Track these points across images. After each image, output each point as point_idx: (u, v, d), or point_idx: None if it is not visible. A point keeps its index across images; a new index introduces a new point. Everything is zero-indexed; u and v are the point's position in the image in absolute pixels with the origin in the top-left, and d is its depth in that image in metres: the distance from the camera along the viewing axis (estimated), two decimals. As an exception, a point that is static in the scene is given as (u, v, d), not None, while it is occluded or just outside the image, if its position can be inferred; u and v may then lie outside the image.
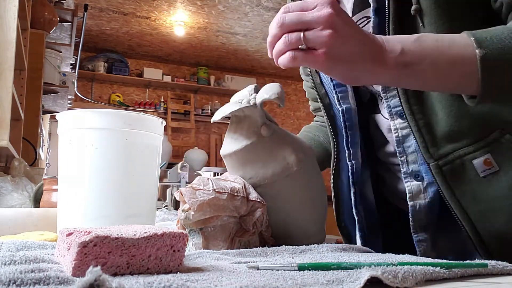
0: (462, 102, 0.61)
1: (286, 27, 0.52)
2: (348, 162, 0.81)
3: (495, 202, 0.61)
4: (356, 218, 0.82)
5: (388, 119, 0.72)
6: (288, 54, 0.52)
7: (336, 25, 0.51)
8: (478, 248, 0.63)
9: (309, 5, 0.52)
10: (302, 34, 0.51)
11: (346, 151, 0.80)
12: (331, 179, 0.85)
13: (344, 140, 0.79)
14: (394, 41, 0.55)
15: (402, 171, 0.71)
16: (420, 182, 0.69)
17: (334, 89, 0.78)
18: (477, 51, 0.53)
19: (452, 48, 0.54)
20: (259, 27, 5.07)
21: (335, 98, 0.78)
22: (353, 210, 0.82)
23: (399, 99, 0.66)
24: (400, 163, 0.71)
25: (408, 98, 0.64)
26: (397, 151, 0.71)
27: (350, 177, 0.81)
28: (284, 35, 0.52)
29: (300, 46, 0.52)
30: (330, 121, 0.82)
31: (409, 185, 0.70)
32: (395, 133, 0.70)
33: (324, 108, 0.82)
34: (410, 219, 0.71)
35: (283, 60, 0.53)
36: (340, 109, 0.78)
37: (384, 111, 0.74)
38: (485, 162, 0.61)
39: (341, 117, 0.78)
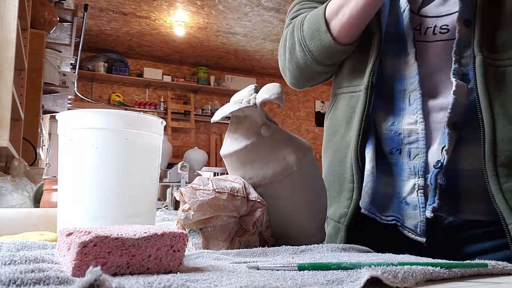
0: None
1: None
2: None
3: None
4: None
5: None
6: None
7: None
8: (487, 149, 0.64)
9: None
10: None
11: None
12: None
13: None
14: None
15: (452, 68, 0.72)
16: (466, 84, 0.70)
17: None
18: None
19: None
20: (259, 27, 5.08)
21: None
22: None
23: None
24: (454, 60, 0.72)
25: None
26: (453, 51, 0.72)
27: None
28: None
29: None
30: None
31: (456, 81, 0.71)
32: (458, 34, 0.71)
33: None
34: (449, 111, 0.71)
35: None
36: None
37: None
38: None
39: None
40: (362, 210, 0.76)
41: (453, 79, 0.71)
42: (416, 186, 0.73)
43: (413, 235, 0.73)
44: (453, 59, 0.72)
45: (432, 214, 0.71)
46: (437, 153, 0.72)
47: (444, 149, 0.70)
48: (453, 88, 0.71)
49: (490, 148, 0.64)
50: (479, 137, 0.67)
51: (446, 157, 0.70)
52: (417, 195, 0.73)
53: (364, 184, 0.76)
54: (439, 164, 0.71)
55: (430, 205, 0.71)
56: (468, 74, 0.72)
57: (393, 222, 0.75)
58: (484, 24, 0.68)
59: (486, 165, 0.65)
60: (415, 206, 0.73)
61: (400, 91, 0.76)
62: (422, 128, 0.73)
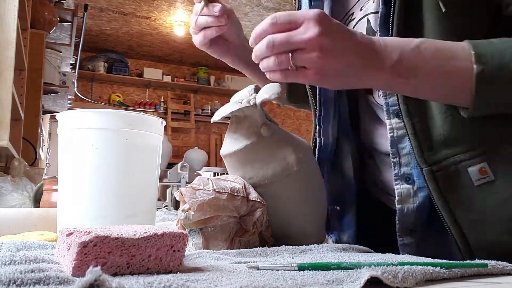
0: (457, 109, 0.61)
1: (276, 48, 0.53)
2: (317, 138, 0.80)
3: (488, 212, 0.59)
4: None
5: (378, 103, 0.72)
6: (279, 73, 0.55)
7: (324, 45, 0.52)
8: (465, 255, 0.62)
9: (298, 19, 0.53)
10: (290, 55, 0.53)
11: (317, 127, 0.79)
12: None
13: (317, 114, 0.79)
14: (393, 47, 0.55)
15: (393, 173, 0.70)
16: (411, 186, 0.67)
17: None
18: (474, 66, 0.53)
19: (451, 61, 0.54)
20: (259, 27, 5.07)
21: None
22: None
23: (397, 98, 0.65)
24: (392, 164, 0.69)
25: (406, 99, 0.63)
26: (391, 152, 0.69)
27: (317, 153, 0.80)
28: (274, 56, 0.54)
29: (289, 68, 0.54)
30: (312, 90, 0.80)
31: (399, 187, 0.69)
32: (390, 133, 0.68)
33: None
34: (397, 222, 0.69)
35: (274, 77, 0.55)
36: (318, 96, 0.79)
37: (376, 94, 0.73)
38: (481, 171, 0.59)
39: (317, 91, 0.78)
40: None
41: (395, 186, 0.69)
42: None
43: None
44: (392, 163, 0.69)
45: None
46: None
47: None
48: (396, 197, 0.69)
49: (467, 253, 0.61)
50: (444, 234, 0.64)
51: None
52: None
53: None
54: None
55: None
56: (411, 174, 0.68)
57: None
58: (417, 125, 0.63)
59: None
60: None
61: None
62: None
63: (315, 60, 0.52)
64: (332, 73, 0.54)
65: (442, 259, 0.65)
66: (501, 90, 0.54)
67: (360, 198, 0.82)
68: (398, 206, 0.69)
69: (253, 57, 0.56)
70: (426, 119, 0.63)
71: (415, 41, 0.56)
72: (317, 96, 0.78)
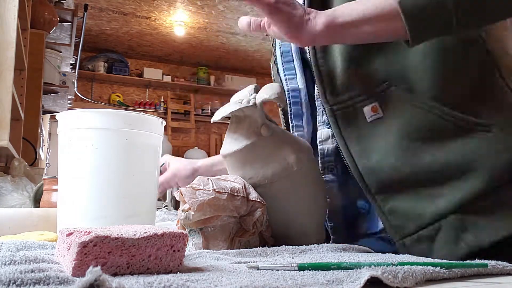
0: (356, 57, 0.70)
1: None
2: (291, 133, 0.86)
3: (374, 142, 0.69)
4: None
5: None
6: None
7: None
8: (360, 183, 0.69)
9: None
10: None
11: (291, 124, 0.86)
12: None
13: (289, 114, 0.86)
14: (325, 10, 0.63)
15: (317, 119, 0.80)
16: (330, 129, 0.76)
17: (284, 72, 0.87)
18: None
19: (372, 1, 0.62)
20: (259, 27, 5.07)
21: (284, 79, 0.88)
22: None
23: (309, 53, 0.74)
24: (317, 113, 0.80)
25: (315, 52, 0.72)
26: (316, 104, 0.79)
27: None
28: None
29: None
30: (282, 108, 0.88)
31: (321, 131, 0.79)
32: (317, 89, 0.77)
33: None
34: (319, 161, 0.78)
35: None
36: (286, 88, 0.86)
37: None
38: (373, 109, 0.69)
39: (287, 95, 0.86)
40: None
41: (318, 130, 0.79)
42: None
43: None
44: (317, 112, 0.80)
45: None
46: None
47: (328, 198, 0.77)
48: (318, 139, 0.79)
49: (361, 182, 0.70)
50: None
51: (328, 201, 0.77)
52: None
53: None
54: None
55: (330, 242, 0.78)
56: None
57: None
58: (323, 74, 0.72)
59: (366, 195, 0.70)
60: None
61: None
62: None
63: None
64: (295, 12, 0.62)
65: (360, 194, 0.75)
66: (424, 13, 0.60)
67: None
68: (320, 147, 0.78)
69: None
70: (331, 66, 0.72)
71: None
72: (287, 99, 0.86)
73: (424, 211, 0.65)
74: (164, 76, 6.20)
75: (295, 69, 0.86)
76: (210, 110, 6.31)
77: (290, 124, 0.86)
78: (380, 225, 0.74)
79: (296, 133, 0.86)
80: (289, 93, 0.86)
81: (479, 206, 0.63)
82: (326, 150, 0.78)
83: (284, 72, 0.87)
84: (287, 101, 0.86)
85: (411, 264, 0.42)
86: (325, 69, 0.72)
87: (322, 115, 0.78)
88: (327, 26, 0.61)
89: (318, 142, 0.79)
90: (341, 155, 0.72)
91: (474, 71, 0.69)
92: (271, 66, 0.98)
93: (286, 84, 0.87)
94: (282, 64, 0.88)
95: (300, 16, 0.62)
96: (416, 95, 0.68)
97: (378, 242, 0.76)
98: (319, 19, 0.62)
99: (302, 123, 0.86)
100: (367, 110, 0.70)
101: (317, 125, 0.80)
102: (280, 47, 0.88)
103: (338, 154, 0.75)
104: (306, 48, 0.80)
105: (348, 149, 0.70)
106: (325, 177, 0.78)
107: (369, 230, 0.77)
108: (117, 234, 0.41)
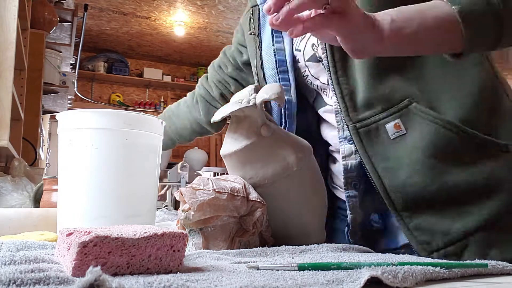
0: (377, 74, 0.70)
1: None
2: None
3: (400, 160, 0.69)
4: None
5: (332, 105, 0.79)
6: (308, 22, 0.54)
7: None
8: (385, 200, 0.69)
9: None
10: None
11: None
12: None
13: (282, 127, 0.85)
14: (380, 13, 0.60)
15: (338, 136, 0.78)
16: (353, 145, 0.75)
17: (279, 82, 0.85)
18: (453, 7, 0.59)
19: (432, 9, 0.60)
20: (259, 27, 5.07)
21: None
22: None
23: (329, 72, 0.73)
24: (337, 129, 0.78)
25: (336, 70, 0.72)
26: (336, 120, 0.78)
27: None
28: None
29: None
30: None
31: (343, 147, 0.78)
32: (335, 105, 0.76)
33: None
34: (343, 177, 0.77)
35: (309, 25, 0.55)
36: None
37: (330, 101, 0.81)
38: (395, 126, 0.70)
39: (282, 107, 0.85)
40: None
41: (340, 146, 0.78)
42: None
43: None
44: (336, 127, 0.78)
45: None
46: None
47: (348, 210, 0.77)
48: (341, 155, 0.77)
49: (386, 199, 0.70)
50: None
51: (350, 217, 0.77)
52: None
53: None
54: (347, 223, 0.78)
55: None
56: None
57: None
58: (344, 91, 0.72)
59: (391, 212, 0.70)
60: None
61: None
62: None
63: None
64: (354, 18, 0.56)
65: (378, 210, 0.76)
66: (480, 24, 0.60)
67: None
68: (343, 162, 0.77)
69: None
70: (351, 84, 0.72)
71: (392, 9, 0.61)
72: (283, 111, 0.85)
73: (451, 228, 0.66)
74: (164, 76, 6.20)
75: (289, 80, 0.85)
76: (210, 110, 6.30)
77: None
78: (401, 241, 0.75)
79: None
80: (284, 105, 0.85)
81: (504, 223, 0.66)
82: (349, 166, 0.77)
83: (280, 82, 0.85)
84: (282, 114, 0.85)
85: (411, 264, 0.42)
86: (347, 86, 0.72)
87: (343, 130, 0.77)
88: (395, 35, 0.58)
89: (341, 158, 0.77)
90: (366, 171, 0.71)
91: (487, 91, 0.70)
92: (256, 70, 0.93)
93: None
94: (278, 73, 0.86)
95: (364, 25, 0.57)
96: (438, 113, 0.68)
97: None
98: (384, 27, 0.58)
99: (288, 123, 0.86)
100: (389, 127, 0.70)
101: (339, 140, 0.78)
102: (275, 54, 0.86)
103: (360, 170, 0.75)
104: (303, 59, 0.81)
105: (374, 167, 0.70)
106: (347, 192, 0.77)
107: (389, 246, 0.77)
108: (117, 234, 0.41)
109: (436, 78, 0.70)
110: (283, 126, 0.85)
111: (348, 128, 0.72)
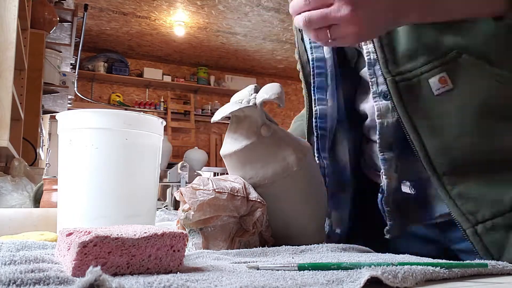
0: (420, 24, 0.64)
1: (313, 25, 0.58)
2: (314, 108, 0.81)
3: (445, 118, 0.63)
4: (319, 163, 0.82)
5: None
6: (321, 43, 0.61)
7: (359, 19, 0.56)
8: (424, 164, 0.64)
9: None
10: (328, 31, 0.58)
11: (313, 97, 0.81)
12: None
13: (312, 86, 0.81)
14: None
15: (372, 91, 0.71)
16: (389, 101, 0.68)
17: (310, 39, 0.81)
18: None
19: None
20: (259, 27, 5.07)
21: (309, 47, 0.81)
22: (315, 154, 0.81)
23: None
24: (370, 84, 0.71)
25: None
26: (368, 73, 0.71)
27: (314, 121, 0.81)
28: (314, 32, 0.59)
29: (329, 41, 0.59)
30: (305, 80, 0.83)
31: (378, 104, 0.70)
32: (367, 56, 0.71)
33: (302, 67, 0.83)
34: (378, 137, 0.71)
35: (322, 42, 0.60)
36: (311, 57, 0.81)
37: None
38: (441, 80, 0.63)
39: (311, 65, 0.80)
40: None
41: (374, 103, 0.71)
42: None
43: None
44: (369, 82, 0.71)
45: (389, 236, 0.72)
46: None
47: (382, 174, 0.71)
48: (375, 112, 0.70)
49: (427, 162, 0.64)
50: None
51: (385, 181, 0.71)
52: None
53: None
54: (381, 189, 0.72)
55: (386, 229, 0.73)
56: (388, 91, 0.69)
57: None
58: (383, 40, 0.67)
59: (431, 177, 0.64)
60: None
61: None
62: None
63: (352, 31, 0.57)
64: (368, 34, 0.60)
65: (414, 175, 0.70)
66: None
67: (358, 182, 0.83)
68: (378, 121, 0.70)
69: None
70: (391, 35, 0.66)
71: None
72: (311, 70, 0.81)
73: (501, 197, 0.60)
74: (164, 76, 6.20)
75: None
76: (210, 110, 6.31)
77: (313, 98, 0.81)
78: (437, 211, 0.69)
79: (318, 107, 0.80)
80: (313, 63, 0.80)
81: None
82: (385, 124, 0.70)
83: (310, 39, 0.80)
84: (311, 72, 0.80)
85: (411, 264, 0.42)
86: (386, 35, 0.66)
87: (377, 85, 0.70)
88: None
89: (376, 116, 0.70)
90: (404, 131, 0.65)
91: None
92: (294, 32, 0.89)
93: (311, 53, 0.81)
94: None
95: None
96: (492, 66, 0.62)
97: (433, 230, 0.72)
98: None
99: (326, 96, 0.80)
100: (433, 81, 0.63)
101: (372, 96, 0.71)
102: None
103: (397, 129, 0.68)
104: None
105: (414, 125, 0.64)
106: (383, 154, 0.70)
107: (423, 217, 0.71)
108: (117, 234, 0.41)
109: (489, 28, 0.62)
110: (312, 86, 0.81)
111: (386, 82, 0.65)
